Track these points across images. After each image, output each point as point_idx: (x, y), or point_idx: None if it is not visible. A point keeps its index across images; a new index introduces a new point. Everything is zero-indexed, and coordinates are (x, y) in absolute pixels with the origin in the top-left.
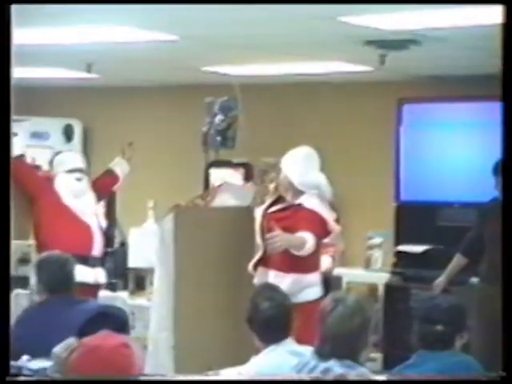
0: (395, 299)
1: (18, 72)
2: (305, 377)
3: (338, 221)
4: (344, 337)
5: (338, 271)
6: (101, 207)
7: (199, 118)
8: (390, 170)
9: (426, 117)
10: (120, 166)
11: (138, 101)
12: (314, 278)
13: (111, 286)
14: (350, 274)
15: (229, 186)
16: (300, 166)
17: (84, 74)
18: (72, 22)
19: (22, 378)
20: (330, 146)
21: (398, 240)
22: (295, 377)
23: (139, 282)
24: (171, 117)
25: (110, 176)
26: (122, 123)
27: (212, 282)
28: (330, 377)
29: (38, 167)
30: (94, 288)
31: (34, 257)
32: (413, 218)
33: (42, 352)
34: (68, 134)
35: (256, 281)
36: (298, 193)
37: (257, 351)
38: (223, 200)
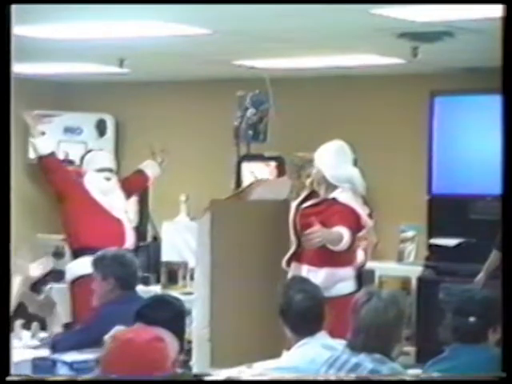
0: (428, 293)
1: (52, 67)
2: (305, 376)
3: (371, 215)
4: (378, 329)
5: (370, 265)
6: (133, 203)
7: (231, 112)
8: (422, 162)
9: (459, 109)
10: (151, 169)
11: (169, 95)
12: (348, 272)
13: (144, 280)
14: (383, 268)
15: (265, 180)
16: (332, 160)
17: (116, 69)
18: (104, 17)
19: (22, 378)
20: (363, 139)
21: (431, 233)
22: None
23: (172, 275)
24: (203, 111)
25: (140, 176)
26: (153, 118)
27: (249, 277)
28: (358, 372)
29: (70, 162)
30: None
31: (68, 251)
32: (445, 211)
33: None
34: (101, 128)
35: (290, 276)
36: (331, 187)
37: (288, 345)
38: (260, 194)
